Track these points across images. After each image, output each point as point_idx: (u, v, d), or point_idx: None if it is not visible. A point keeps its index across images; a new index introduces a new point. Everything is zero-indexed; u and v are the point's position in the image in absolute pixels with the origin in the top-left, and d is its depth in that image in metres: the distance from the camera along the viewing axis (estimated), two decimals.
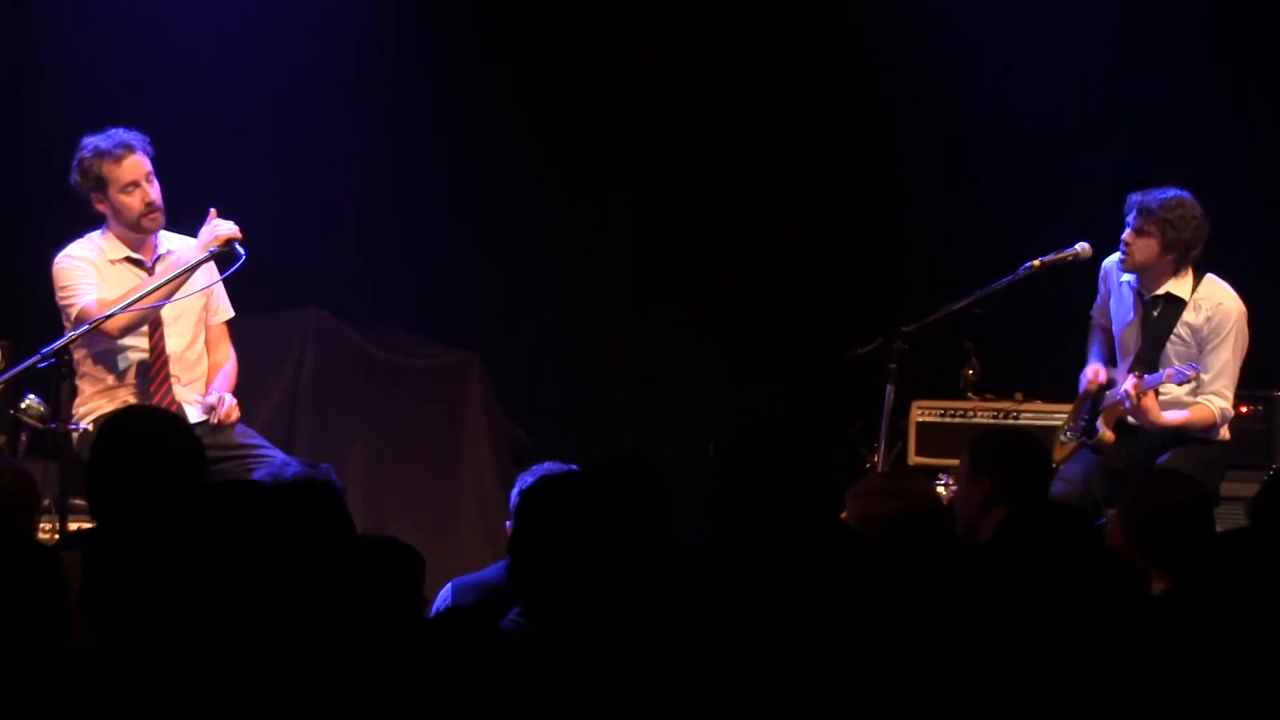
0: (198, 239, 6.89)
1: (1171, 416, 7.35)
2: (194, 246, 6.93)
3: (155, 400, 6.88)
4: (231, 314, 7.27)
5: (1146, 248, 7.39)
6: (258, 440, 7.01)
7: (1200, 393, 7.39)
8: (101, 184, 6.88)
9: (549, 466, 5.78)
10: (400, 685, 3.72)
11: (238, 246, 6.79)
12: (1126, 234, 7.40)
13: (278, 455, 6.80)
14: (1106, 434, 7.48)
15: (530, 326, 9.79)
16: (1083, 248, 7.58)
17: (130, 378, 6.92)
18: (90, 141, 6.92)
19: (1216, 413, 7.37)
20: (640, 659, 3.85)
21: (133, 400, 6.88)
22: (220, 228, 6.81)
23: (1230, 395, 7.41)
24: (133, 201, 6.88)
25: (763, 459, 4.40)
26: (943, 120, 9.45)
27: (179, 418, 5.00)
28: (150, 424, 4.86)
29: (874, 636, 3.98)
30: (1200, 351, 7.42)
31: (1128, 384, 7.33)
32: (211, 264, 6.95)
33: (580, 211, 9.80)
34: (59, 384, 6.39)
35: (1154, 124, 8.93)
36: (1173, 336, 7.44)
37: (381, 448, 9.04)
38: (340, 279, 9.50)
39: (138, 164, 6.90)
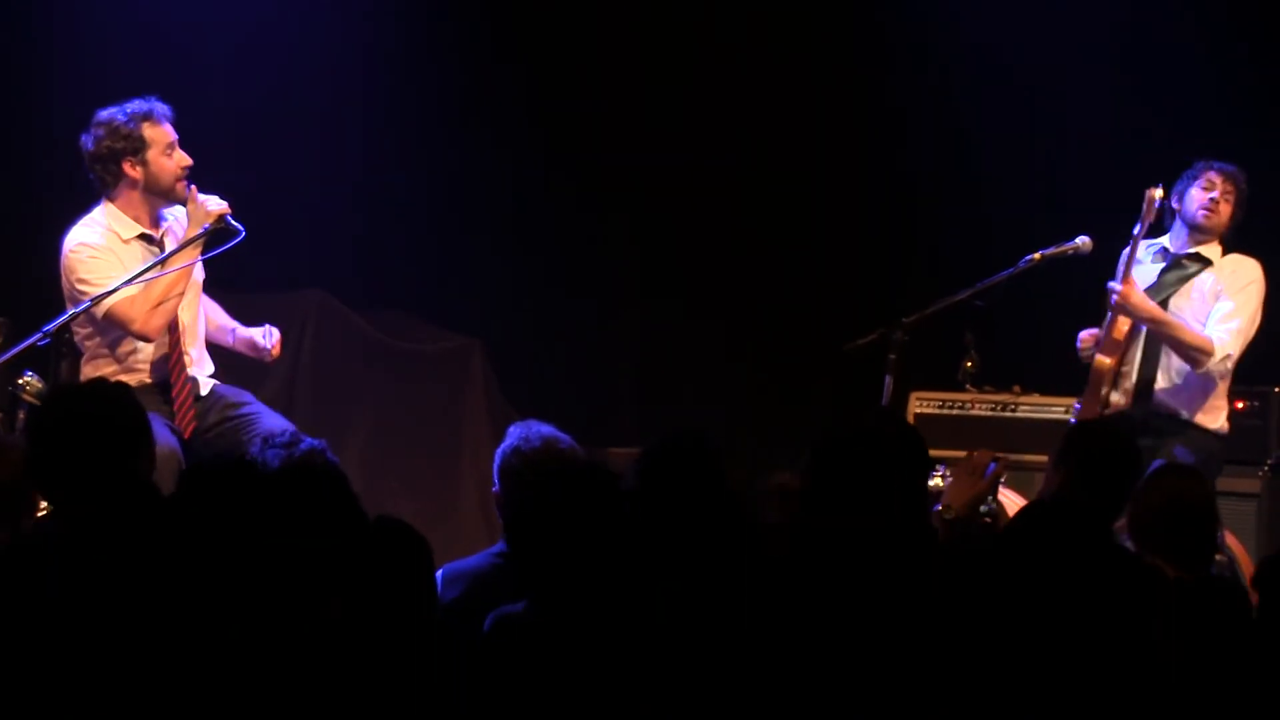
0: (188, 217, 6.79)
1: (1162, 313, 7.31)
2: (186, 224, 6.81)
3: (172, 377, 6.80)
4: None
5: (1226, 211, 7.47)
6: (250, 400, 6.99)
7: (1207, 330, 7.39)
8: (141, 147, 6.74)
9: (544, 428, 5.75)
10: (410, 666, 3.71)
11: (233, 221, 6.73)
12: (1216, 195, 7.46)
13: (274, 419, 6.80)
14: (1102, 360, 7.44)
15: (533, 312, 9.79)
16: (1083, 241, 7.57)
17: (147, 355, 6.80)
18: (119, 109, 6.77)
19: (1214, 342, 7.31)
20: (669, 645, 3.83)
21: (148, 378, 6.80)
22: (210, 204, 6.74)
23: (1232, 340, 7.35)
24: (171, 165, 6.77)
25: (860, 463, 4.28)
26: (945, 112, 9.45)
27: (124, 390, 4.75)
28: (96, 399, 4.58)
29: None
30: (1215, 302, 7.42)
31: (1113, 284, 7.34)
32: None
33: (584, 197, 9.81)
34: (58, 361, 6.35)
35: (1156, 118, 8.93)
36: (1189, 288, 7.44)
37: (381, 431, 9.05)
38: (343, 261, 9.51)
39: (171, 129, 6.82)
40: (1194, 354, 7.35)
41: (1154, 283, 7.52)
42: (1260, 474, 8.11)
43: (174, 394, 6.75)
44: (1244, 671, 4.01)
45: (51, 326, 6.34)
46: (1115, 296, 7.34)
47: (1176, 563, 5.08)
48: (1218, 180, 7.48)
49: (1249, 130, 8.63)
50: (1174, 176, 7.62)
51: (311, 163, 9.46)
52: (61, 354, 6.35)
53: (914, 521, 4.24)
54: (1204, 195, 7.49)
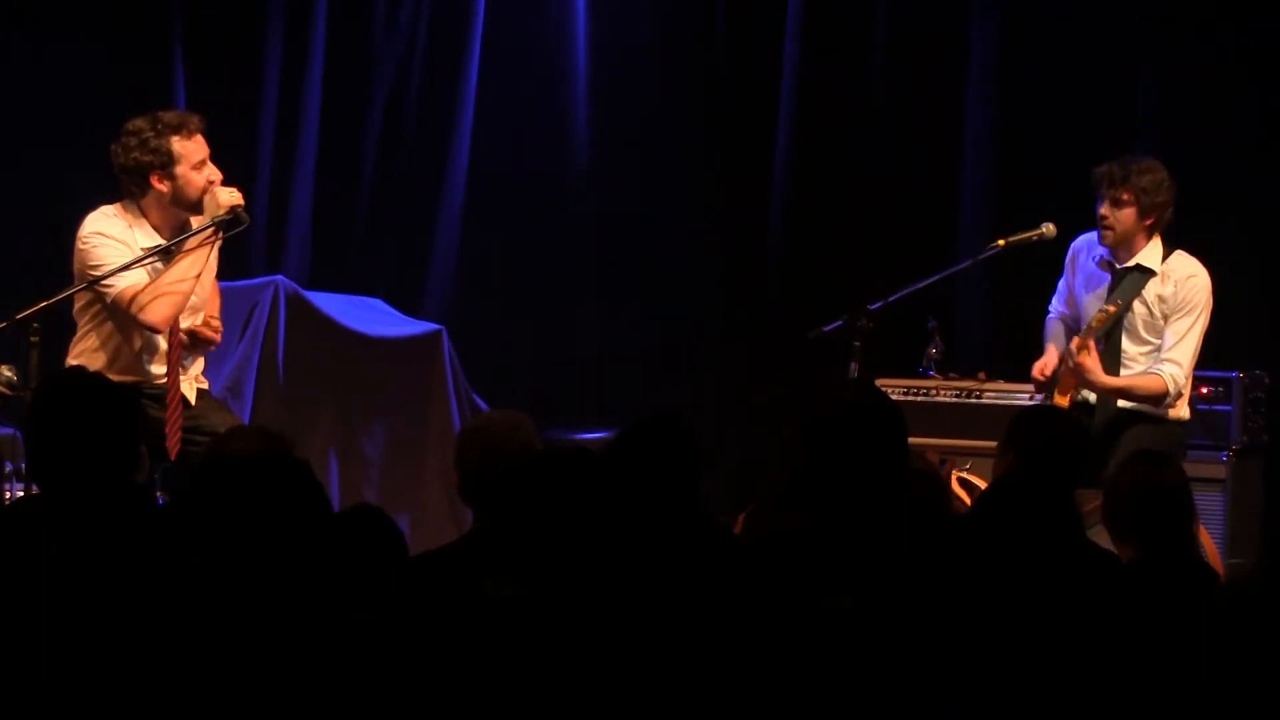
0: (202, 206, 6.67)
1: (1115, 380, 7.31)
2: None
3: (166, 381, 6.64)
4: None
5: (1125, 217, 7.32)
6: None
7: (1157, 362, 7.35)
8: (170, 160, 6.59)
9: (506, 414, 5.76)
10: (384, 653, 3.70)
11: (242, 213, 6.65)
12: (1103, 208, 7.32)
13: None
14: (1059, 400, 7.43)
15: (499, 300, 9.80)
16: (1047, 228, 7.59)
17: (135, 350, 6.66)
18: (151, 120, 6.63)
19: (1167, 381, 7.26)
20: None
21: (130, 375, 6.61)
22: (222, 195, 6.64)
23: (1186, 367, 7.31)
24: (200, 180, 6.63)
25: (849, 434, 4.33)
26: (912, 100, 9.47)
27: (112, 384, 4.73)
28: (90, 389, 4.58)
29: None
30: (1164, 322, 7.38)
31: (1071, 343, 7.28)
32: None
33: (550, 187, 9.81)
34: (29, 351, 6.28)
35: (1125, 107, 8.97)
36: (1137, 304, 7.40)
37: (346, 420, 9.00)
38: (306, 248, 9.50)
39: (204, 143, 6.69)
40: (1154, 401, 7.33)
41: (1106, 297, 7.46)
42: (1225, 460, 8.14)
43: (166, 398, 6.63)
44: (1211, 654, 4.02)
45: (27, 313, 6.27)
46: (1070, 360, 7.26)
47: (1151, 549, 5.10)
48: (1106, 193, 7.31)
49: (1215, 116, 8.70)
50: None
51: (272, 149, 9.45)
52: (32, 343, 6.27)
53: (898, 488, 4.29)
54: (1099, 212, 7.35)
